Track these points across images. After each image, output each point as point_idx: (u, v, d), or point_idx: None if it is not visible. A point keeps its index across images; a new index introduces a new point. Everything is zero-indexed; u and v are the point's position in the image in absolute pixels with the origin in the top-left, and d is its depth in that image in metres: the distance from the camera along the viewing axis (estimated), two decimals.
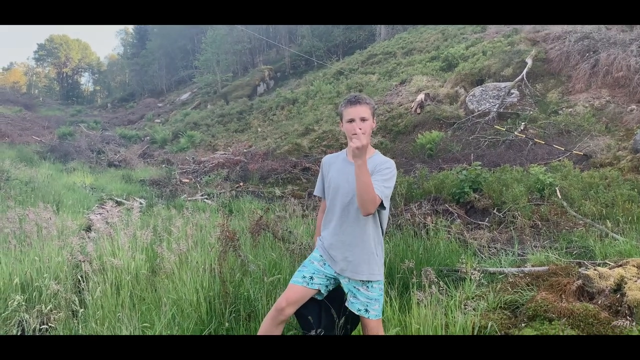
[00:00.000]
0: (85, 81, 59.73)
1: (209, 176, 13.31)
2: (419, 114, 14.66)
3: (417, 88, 16.79)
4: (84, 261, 4.41)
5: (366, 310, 2.56)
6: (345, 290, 2.63)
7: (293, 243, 4.74)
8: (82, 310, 3.71)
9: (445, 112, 14.04)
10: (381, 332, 2.66)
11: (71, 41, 64.63)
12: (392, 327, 3.32)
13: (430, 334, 3.12)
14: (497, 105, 13.10)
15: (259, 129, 21.01)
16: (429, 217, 5.33)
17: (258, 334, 2.64)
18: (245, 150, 17.27)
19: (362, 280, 2.55)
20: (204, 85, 36.54)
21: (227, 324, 3.29)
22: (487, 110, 13.16)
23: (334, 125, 16.42)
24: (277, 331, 2.62)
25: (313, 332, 2.59)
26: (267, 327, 2.60)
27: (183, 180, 12.91)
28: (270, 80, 33.81)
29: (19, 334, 3.76)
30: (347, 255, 2.56)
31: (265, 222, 4.92)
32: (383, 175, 2.49)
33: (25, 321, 3.77)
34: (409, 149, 12.63)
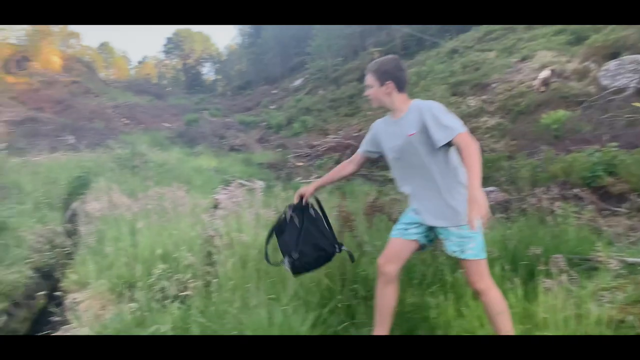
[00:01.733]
0: (207, 71, 63.95)
1: (321, 159, 13.63)
2: (543, 92, 13.58)
3: (540, 64, 15.54)
4: (214, 236, 4.80)
5: (461, 251, 2.52)
6: (440, 236, 2.63)
7: None
8: (215, 280, 4.03)
9: (574, 89, 12.85)
10: (485, 277, 2.61)
11: (194, 34, 69.64)
12: (517, 319, 3.16)
13: (560, 325, 2.93)
14: (636, 80, 11.69)
15: (369, 113, 20.98)
16: (557, 202, 4.96)
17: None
18: (355, 134, 17.39)
19: None
20: (315, 70, 37.24)
21: (345, 302, 3.38)
22: (623, 86, 11.80)
23: (447, 106, 15.82)
24: (388, 292, 2.70)
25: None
26: (377, 289, 2.72)
27: (297, 164, 13.37)
28: None
29: (160, 299, 4.19)
30: (424, 205, 2.58)
31: (379, 204, 4.93)
32: (440, 119, 2.42)
33: (166, 288, 4.20)
34: (531, 129, 11.79)
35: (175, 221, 5.36)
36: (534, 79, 14.60)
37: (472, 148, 2.28)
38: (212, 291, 3.89)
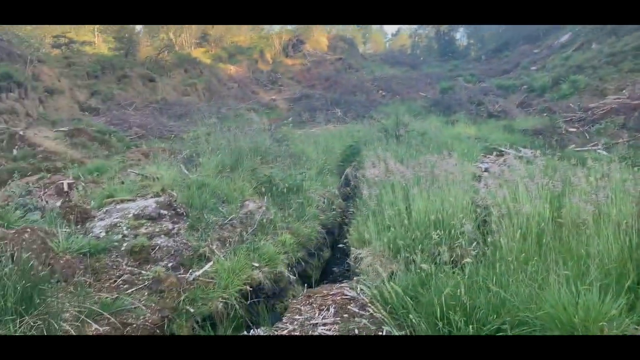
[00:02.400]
0: (460, 36, 62.13)
1: (600, 124, 11.87)
2: None
3: None
4: (491, 205, 4.69)
5: None
6: None
7: None
8: (496, 250, 3.95)
9: None
10: None
11: None
12: None
13: None
14: None
15: None
16: None
17: None
18: None
19: None
20: None
21: None
22: None
23: None
24: None
25: None
26: None
27: (569, 129, 11.96)
28: None
29: (438, 263, 4.31)
30: None
31: None
32: None
33: (442, 253, 4.30)
34: None
35: (446, 188, 5.42)
36: None
37: None
38: (495, 261, 3.82)
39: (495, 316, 2.91)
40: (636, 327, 2.61)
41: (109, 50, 26.93)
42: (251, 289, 4.95)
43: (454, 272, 3.92)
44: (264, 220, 6.04)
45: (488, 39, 55.83)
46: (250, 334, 3.87)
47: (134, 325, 4.13)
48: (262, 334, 3.83)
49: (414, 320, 3.09)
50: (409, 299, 3.39)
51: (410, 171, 5.98)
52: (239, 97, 23.54)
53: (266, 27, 39.87)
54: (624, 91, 15.94)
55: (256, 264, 5.21)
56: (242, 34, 40.58)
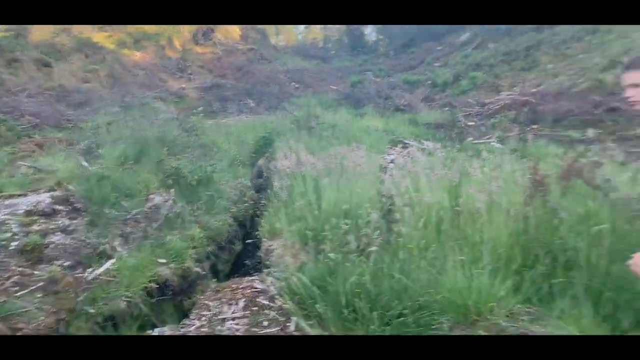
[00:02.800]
0: (369, 32, 63.78)
1: (495, 118, 12.82)
2: None
3: None
4: (395, 195, 4.89)
5: None
6: None
7: (612, 192, 4.19)
8: (397, 238, 4.12)
9: None
10: None
11: None
12: None
13: None
14: None
15: (550, 65, 18.93)
16: None
17: None
18: (533, 90, 15.90)
19: None
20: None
21: (543, 268, 3.18)
22: None
23: None
24: None
25: None
26: None
27: (468, 123, 12.79)
28: None
29: (346, 252, 4.42)
30: None
31: (578, 168, 4.47)
32: None
33: (351, 242, 4.42)
34: None
35: (354, 179, 5.57)
36: None
37: None
38: (397, 248, 3.98)
39: (397, 302, 3.04)
40: (520, 305, 2.86)
41: None
42: (157, 286, 4.76)
43: (360, 261, 4.05)
44: (171, 214, 5.83)
45: (396, 35, 57.95)
46: (156, 332, 3.72)
47: (25, 330, 3.82)
48: (168, 332, 3.70)
49: (319, 309, 3.14)
50: (317, 289, 3.44)
51: (321, 163, 6.07)
52: (145, 85, 22.39)
53: None
54: (515, 88, 17.34)
55: (162, 260, 5.02)
56: None
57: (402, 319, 2.84)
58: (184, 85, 25.15)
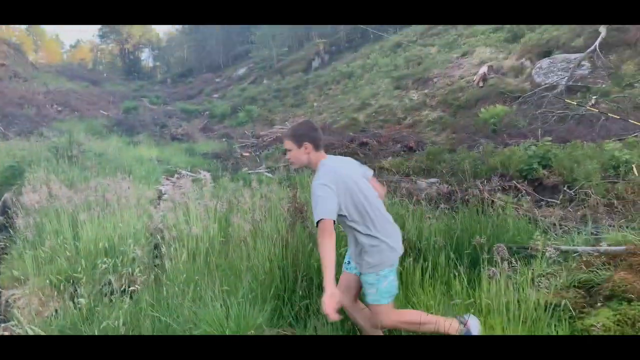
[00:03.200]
0: (146, 57, 61.53)
1: (268, 150, 13.55)
2: (482, 87, 14.18)
3: (479, 60, 16.20)
4: (162, 229, 4.69)
5: (364, 294, 2.78)
6: None
7: None
8: (164, 274, 3.95)
9: (510, 85, 13.52)
10: (380, 318, 2.76)
11: None
12: (462, 305, 3.32)
13: (502, 310, 3.11)
14: (566, 78, 12.44)
15: (315, 104, 21.06)
16: (497, 194, 5.22)
17: None
18: None
19: None
20: (260, 60, 36.82)
21: (300, 292, 3.41)
22: (555, 83, 12.54)
23: (391, 99, 16.22)
24: (360, 315, 2.89)
25: None
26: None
27: (243, 154, 13.23)
28: (325, 54, 33.57)
29: (106, 294, 4.05)
30: (350, 249, 2.87)
31: None
32: (313, 203, 2.58)
33: (113, 282, 4.07)
34: (470, 123, 12.29)
35: (119, 213, 5.17)
36: (474, 74, 15.19)
37: (321, 240, 2.43)
38: (162, 285, 3.81)
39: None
40: (279, 329, 3.00)
41: None
42: None
43: (121, 302, 3.74)
44: None
45: (174, 64, 57.14)
46: None
47: None
48: None
49: None
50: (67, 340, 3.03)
51: (80, 195, 5.47)
52: None
53: None
54: (286, 122, 18.71)
55: None
56: None
57: None
58: None
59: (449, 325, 2.79)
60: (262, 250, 3.90)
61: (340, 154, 11.90)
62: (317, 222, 2.46)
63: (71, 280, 4.33)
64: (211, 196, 5.42)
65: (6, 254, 5.29)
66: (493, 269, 3.25)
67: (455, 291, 3.45)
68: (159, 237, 4.85)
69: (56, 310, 4.03)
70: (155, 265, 4.25)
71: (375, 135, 13.29)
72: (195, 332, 2.78)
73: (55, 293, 4.35)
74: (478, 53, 16.86)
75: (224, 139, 16.98)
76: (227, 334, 2.67)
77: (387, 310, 2.78)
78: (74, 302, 3.90)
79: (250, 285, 3.45)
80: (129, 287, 4.07)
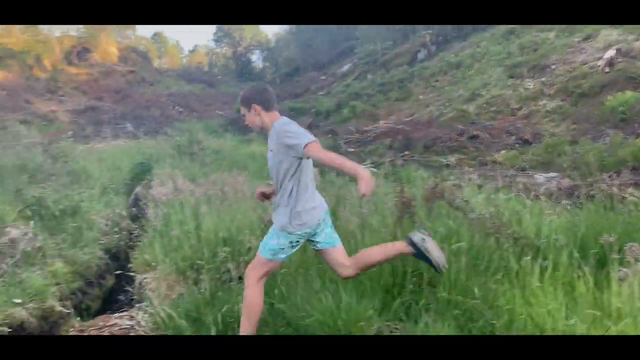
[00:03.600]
0: (256, 58, 64.36)
1: (373, 145, 13.56)
2: (608, 72, 12.88)
3: (605, 43, 14.72)
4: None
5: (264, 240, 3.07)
6: None
7: (470, 212, 4.63)
8: None
9: None
10: (252, 273, 3.01)
11: None
12: (587, 307, 3.06)
13: (636, 314, 2.83)
14: None
15: (421, 96, 20.62)
16: (628, 189, 4.73)
17: None
18: (407, 119, 17.16)
19: None
20: (364, 55, 36.81)
21: (410, 287, 3.38)
22: None
23: (504, 89, 15.36)
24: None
25: None
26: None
27: (348, 149, 13.37)
28: (432, 45, 32.65)
29: (225, 281, 4.33)
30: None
31: (440, 190, 4.87)
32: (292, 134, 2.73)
33: (231, 270, 4.34)
34: (594, 112, 11.24)
35: (236, 205, 5.50)
36: (598, 59, 13.86)
37: (322, 155, 2.60)
38: (275, 274, 3.98)
39: (272, 327, 3.04)
40: (388, 323, 3.01)
41: None
42: (10, 329, 4.23)
43: (239, 288, 3.98)
44: (30, 249, 5.26)
45: (282, 63, 59.18)
46: None
47: None
48: None
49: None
50: (190, 322, 3.32)
51: (201, 189, 5.91)
52: (7, 107, 20.25)
53: (45, 29, 35.07)
54: (391, 117, 18.56)
55: (18, 300, 4.48)
56: (12, 36, 35.04)
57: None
58: (54, 108, 23.19)
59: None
60: (370, 244, 3.92)
61: (449, 148, 11.55)
62: (307, 146, 2.59)
63: (195, 267, 4.70)
64: (319, 190, 5.55)
65: (139, 241, 5.88)
66: (625, 269, 2.98)
67: (580, 293, 3.20)
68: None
69: (182, 294, 4.40)
70: None
71: (487, 127, 12.70)
72: (307, 321, 2.87)
73: (181, 278, 4.76)
74: (603, 36, 15.33)
75: (329, 135, 17.27)
76: (339, 324, 2.73)
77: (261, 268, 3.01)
78: (197, 287, 4.23)
79: (359, 278, 3.48)
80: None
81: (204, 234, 5.09)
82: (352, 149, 13.55)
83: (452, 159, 7.78)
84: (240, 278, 4.30)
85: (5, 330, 4.20)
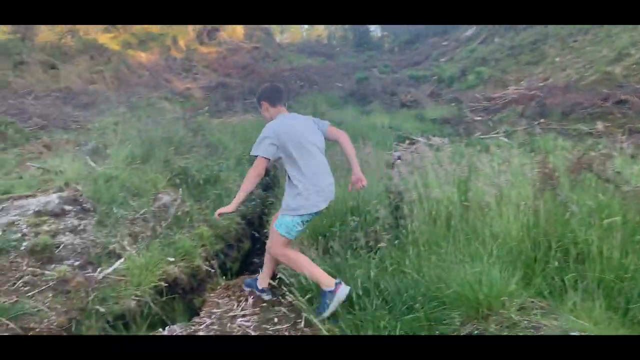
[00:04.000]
0: (374, 28, 63.46)
1: (502, 113, 12.74)
2: None
3: None
4: (402, 191, 4.87)
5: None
6: None
7: (623, 185, 4.15)
8: (407, 234, 4.11)
9: None
10: (278, 247, 3.54)
11: None
12: None
13: None
14: None
15: (557, 59, 18.78)
16: None
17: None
18: (540, 84, 15.79)
19: None
20: None
21: (555, 263, 3.15)
22: None
23: None
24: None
25: None
26: None
27: (475, 118, 12.72)
28: None
29: (355, 249, 4.41)
30: None
31: (587, 161, 4.43)
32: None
33: (359, 239, 4.41)
34: None
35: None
36: None
37: (249, 171, 3.59)
38: (406, 244, 3.97)
39: (407, 297, 3.04)
40: (531, 299, 2.84)
41: (2, 33, 24.44)
42: (166, 285, 4.78)
43: (369, 257, 4.05)
44: (179, 213, 5.84)
45: (401, 31, 57.69)
46: (166, 331, 3.73)
47: (37, 330, 3.84)
48: (178, 330, 3.71)
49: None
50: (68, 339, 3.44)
51: (329, 160, 6.02)
52: (150, 86, 22.42)
53: None
54: (522, 82, 17.22)
55: (171, 259, 5.03)
56: None
57: (413, 314, 2.83)
58: (189, 85, 25.20)
59: (324, 280, 3.24)
60: (507, 217, 3.72)
61: (591, 115, 10.46)
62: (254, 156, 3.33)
63: (325, 234, 4.86)
64: (449, 161, 5.37)
65: (273, 208, 6.23)
66: None
67: None
68: (399, 199, 5.07)
69: (313, 259, 4.58)
70: (397, 226, 4.46)
71: (637, 91, 11.22)
72: (447, 292, 2.83)
73: (313, 245, 4.96)
74: None
75: (453, 104, 16.59)
76: (479, 297, 2.65)
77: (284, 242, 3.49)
78: (329, 254, 4.38)
79: (496, 252, 3.33)
80: (375, 243, 4.38)
81: (332, 203, 5.22)
82: (478, 117, 12.87)
83: (598, 126, 6.98)
84: (369, 247, 4.37)
85: (162, 284, 4.75)
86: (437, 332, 2.72)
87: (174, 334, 3.67)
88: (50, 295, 4.25)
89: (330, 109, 14.22)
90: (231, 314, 3.88)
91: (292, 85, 25.42)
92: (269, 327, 3.62)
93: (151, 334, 3.75)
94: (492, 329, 2.55)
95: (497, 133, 10.31)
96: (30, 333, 3.79)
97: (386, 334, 2.68)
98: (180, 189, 6.30)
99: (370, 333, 2.78)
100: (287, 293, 3.58)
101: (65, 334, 3.95)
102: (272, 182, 8.13)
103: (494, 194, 3.88)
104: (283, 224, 3.46)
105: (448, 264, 3.25)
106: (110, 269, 4.63)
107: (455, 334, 2.67)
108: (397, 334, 2.64)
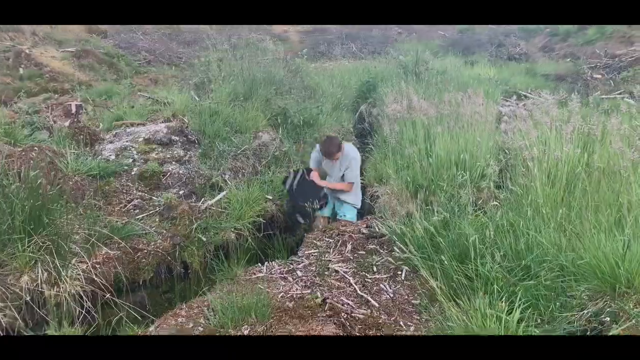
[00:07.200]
0: None
1: (627, 72, 11.35)
2: None
3: None
4: (516, 149, 4.47)
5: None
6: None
7: None
8: (524, 195, 3.76)
9: None
10: None
11: None
12: None
13: None
14: None
15: None
16: None
17: None
18: None
19: None
20: None
21: None
22: None
23: None
24: None
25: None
26: None
27: (595, 76, 11.46)
28: None
29: (461, 205, 4.13)
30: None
31: None
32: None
33: (465, 195, 4.11)
34: None
35: (471, 128, 5.16)
36: None
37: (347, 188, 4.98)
38: (521, 205, 3.64)
39: (524, 261, 2.78)
40: None
41: None
42: (264, 221, 4.85)
43: (476, 215, 3.78)
44: (278, 153, 5.85)
45: None
46: (265, 266, 3.77)
47: (145, 251, 4.06)
48: (276, 266, 3.74)
49: (444, 259, 2.94)
50: (428, 240, 3.27)
51: (434, 109, 5.69)
52: (251, 27, 22.63)
53: None
54: None
55: (269, 197, 5.08)
56: None
57: (532, 280, 2.58)
58: (286, 28, 25.09)
59: None
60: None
61: None
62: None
63: (424, 188, 4.62)
64: (572, 120, 4.82)
65: (370, 156, 6.06)
66: None
67: None
68: (513, 156, 4.67)
69: (409, 214, 4.36)
70: (510, 185, 4.10)
71: None
72: (579, 262, 2.52)
73: (411, 197, 4.75)
74: None
75: (568, 59, 15.06)
76: (618, 272, 2.32)
77: None
78: (431, 209, 4.13)
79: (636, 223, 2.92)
80: (484, 202, 4.09)
81: (436, 155, 4.93)
82: (598, 76, 11.58)
83: None
84: (476, 205, 4.09)
85: (260, 220, 4.83)
86: (558, 304, 2.46)
87: (268, 271, 3.69)
88: (157, 220, 4.47)
89: (432, 57, 13.45)
90: (328, 258, 3.83)
91: (389, 32, 24.45)
92: (367, 274, 3.53)
93: (150, 334, 3.55)
94: (629, 309, 2.25)
95: (620, 93, 9.21)
96: (138, 254, 4.01)
97: (501, 298, 2.46)
98: (280, 129, 6.29)
99: (480, 295, 2.58)
100: (391, 243, 3.44)
101: (169, 259, 4.15)
102: (367, 130, 7.93)
103: (632, 158, 3.38)
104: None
105: (574, 231, 2.91)
106: (212, 200, 4.76)
107: (581, 308, 2.40)
108: (515, 300, 2.41)
